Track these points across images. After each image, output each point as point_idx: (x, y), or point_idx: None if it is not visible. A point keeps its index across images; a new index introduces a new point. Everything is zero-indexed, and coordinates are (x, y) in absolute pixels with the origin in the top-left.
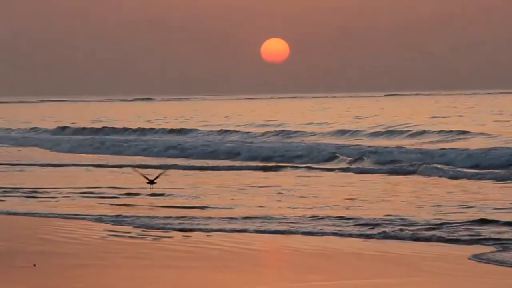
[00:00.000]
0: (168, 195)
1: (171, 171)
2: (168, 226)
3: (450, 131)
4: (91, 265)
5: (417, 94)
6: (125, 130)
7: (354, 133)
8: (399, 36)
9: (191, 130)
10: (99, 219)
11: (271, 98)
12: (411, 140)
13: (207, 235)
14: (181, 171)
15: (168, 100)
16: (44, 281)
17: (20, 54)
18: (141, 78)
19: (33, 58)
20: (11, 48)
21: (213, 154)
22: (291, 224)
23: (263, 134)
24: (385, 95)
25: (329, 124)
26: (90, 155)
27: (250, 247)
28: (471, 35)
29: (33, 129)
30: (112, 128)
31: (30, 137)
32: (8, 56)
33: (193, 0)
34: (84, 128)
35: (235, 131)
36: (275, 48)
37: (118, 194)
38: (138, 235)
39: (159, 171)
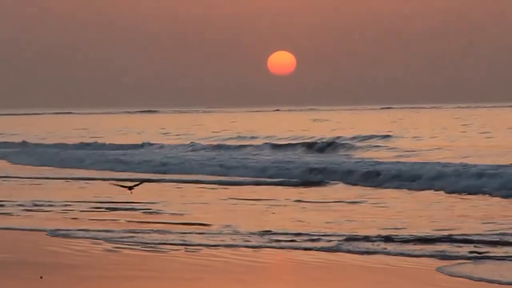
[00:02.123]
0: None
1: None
2: (173, 240)
3: None
4: (98, 277)
5: (433, 107)
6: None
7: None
8: (408, 49)
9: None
10: (109, 230)
11: (277, 110)
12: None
13: (212, 248)
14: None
15: (174, 112)
16: None
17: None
18: (146, 90)
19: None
20: (14, 56)
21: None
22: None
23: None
24: (408, 108)
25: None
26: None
27: (255, 260)
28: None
29: None
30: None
31: None
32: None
33: (199, 13)
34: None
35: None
36: (282, 60)
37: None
38: (145, 247)
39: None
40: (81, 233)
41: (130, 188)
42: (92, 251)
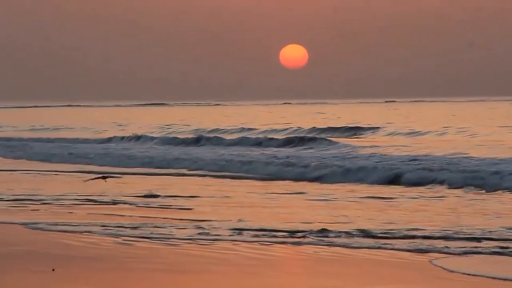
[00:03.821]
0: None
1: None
2: (185, 232)
3: None
4: (110, 269)
5: (443, 100)
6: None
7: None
8: (422, 42)
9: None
10: (120, 225)
11: (285, 103)
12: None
13: (225, 242)
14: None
15: (184, 104)
16: (63, 285)
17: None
18: (158, 83)
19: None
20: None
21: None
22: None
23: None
24: (411, 101)
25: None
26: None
27: (268, 254)
28: None
29: None
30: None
31: None
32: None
33: (211, 6)
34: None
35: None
36: (294, 54)
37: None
38: (157, 240)
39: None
40: (95, 228)
41: (104, 177)
42: (104, 243)
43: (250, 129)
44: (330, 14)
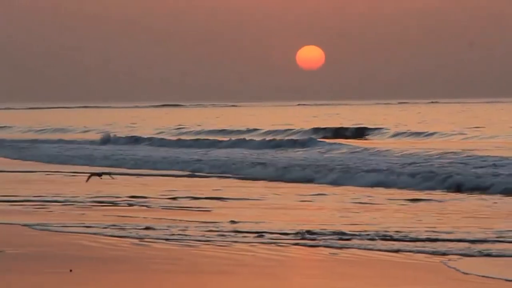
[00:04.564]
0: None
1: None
2: (203, 234)
3: None
4: (128, 270)
5: (459, 102)
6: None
7: None
8: (438, 42)
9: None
10: (135, 226)
11: (299, 105)
12: None
13: (241, 243)
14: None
15: (198, 105)
16: (80, 286)
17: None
18: (173, 84)
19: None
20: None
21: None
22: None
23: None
24: (428, 103)
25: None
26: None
27: (285, 255)
28: None
29: None
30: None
31: None
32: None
33: (229, 7)
34: None
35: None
36: (310, 55)
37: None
38: (174, 241)
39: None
40: (111, 229)
41: (99, 175)
42: (121, 244)
43: (255, 129)
44: (346, 14)
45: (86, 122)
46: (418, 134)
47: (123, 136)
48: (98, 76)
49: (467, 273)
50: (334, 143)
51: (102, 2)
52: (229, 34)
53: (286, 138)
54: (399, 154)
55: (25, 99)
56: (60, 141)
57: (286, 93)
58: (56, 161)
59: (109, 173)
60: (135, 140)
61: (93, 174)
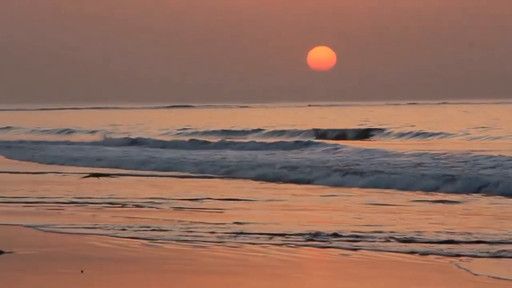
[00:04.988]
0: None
1: None
2: (214, 234)
3: None
4: (140, 271)
5: (473, 103)
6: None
7: None
8: (450, 42)
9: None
10: (144, 226)
11: (309, 105)
12: None
13: (252, 245)
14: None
15: (208, 106)
16: (92, 287)
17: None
18: (184, 84)
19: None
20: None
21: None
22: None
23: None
24: (440, 103)
25: None
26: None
27: (296, 256)
28: None
29: None
30: None
31: None
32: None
33: (240, 8)
34: None
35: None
36: (321, 56)
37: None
38: (185, 242)
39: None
40: (122, 230)
41: (98, 175)
42: (132, 245)
43: (259, 129)
44: (357, 15)
45: (92, 122)
46: (424, 134)
47: (148, 137)
48: (98, 76)
49: (478, 274)
50: (337, 144)
51: (102, 2)
52: (241, 35)
53: (290, 139)
54: (408, 154)
55: (25, 99)
56: (71, 143)
57: (296, 94)
58: (67, 162)
59: (107, 175)
60: (132, 141)
61: (92, 174)
